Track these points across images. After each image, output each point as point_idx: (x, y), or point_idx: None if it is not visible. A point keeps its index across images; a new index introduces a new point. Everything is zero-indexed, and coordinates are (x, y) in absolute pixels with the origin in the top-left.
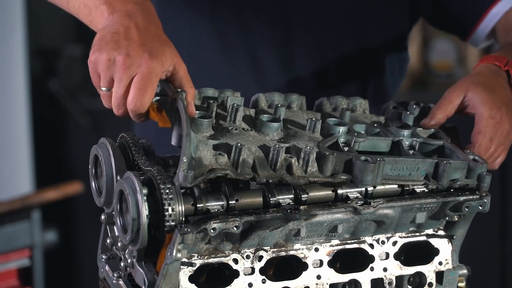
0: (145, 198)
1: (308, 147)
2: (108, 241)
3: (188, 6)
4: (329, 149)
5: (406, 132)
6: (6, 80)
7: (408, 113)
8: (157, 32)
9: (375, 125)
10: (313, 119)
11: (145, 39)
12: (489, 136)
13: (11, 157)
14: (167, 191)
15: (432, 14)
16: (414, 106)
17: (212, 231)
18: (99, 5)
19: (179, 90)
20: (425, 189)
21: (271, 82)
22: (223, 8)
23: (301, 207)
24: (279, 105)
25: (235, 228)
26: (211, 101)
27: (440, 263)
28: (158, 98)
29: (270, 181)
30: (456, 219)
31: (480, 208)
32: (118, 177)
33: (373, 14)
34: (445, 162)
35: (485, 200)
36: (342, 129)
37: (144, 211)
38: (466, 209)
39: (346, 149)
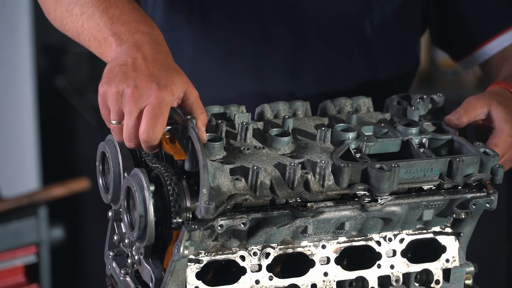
0: (152, 195)
1: (323, 162)
2: (115, 237)
3: (192, 22)
4: (344, 161)
5: (414, 130)
6: (13, 77)
7: (413, 108)
8: (166, 60)
9: (382, 124)
10: (323, 128)
11: (153, 70)
12: (502, 152)
13: (17, 154)
14: (174, 188)
15: (431, 31)
16: (418, 100)
17: (219, 228)
18: (107, 37)
19: (188, 117)
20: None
21: (275, 92)
22: (227, 20)
23: (308, 204)
24: (286, 116)
25: (242, 225)
26: (220, 121)
27: (447, 261)
28: (169, 128)
29: (290, 201)
30: (463, 216)
31: (488, 205)
32: (126, 174)
33: (383, 34)
34: (458, 159)
35: (492, 197)
36: (351, 135)
37: (151, 208)
38: (474, 207)
39: (358, 155)
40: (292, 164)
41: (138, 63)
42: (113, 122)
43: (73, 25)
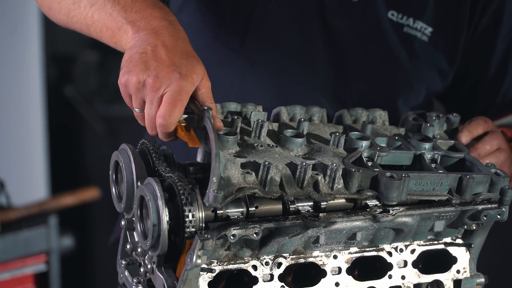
0: (165, 204)
1: (334, 164)
2: (128, 246)
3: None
4: (355, 166)
5: (427, 145)
6: (22, 86)
7: (428, 124)
8: (186, 48)
9: (396, 137)
10: (337, 133)
11: (174, 58)
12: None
13: (27, 163)
14: (188, 197)
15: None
16: (434, 118)
17: (232, 237)
18: (122, 26)
19: (205, 108)
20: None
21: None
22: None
23: (321, 214)
24: (302, 119)
25: (254, 235)
26: (236, 117)
27: (458, 272)
28: (185, 116)
29: (298, 199)
30: (474, 227)
31: (498, 217)
32: (139, 183)
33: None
34: (468, 176)
35: (503, 209)
36: (365, 143)
37: (165, 217)
38: (485, 218)
39: (370, 164)
40: (304, 163)
41: (159, 51)
42: (136, 110)
43: (82, 17)
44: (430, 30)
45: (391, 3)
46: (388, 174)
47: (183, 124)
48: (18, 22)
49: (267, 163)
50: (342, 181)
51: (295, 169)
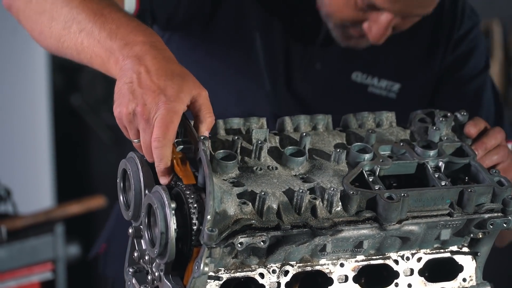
0: (173, 212)
1: (332, 188)
2: (135, 254)
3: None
4: (353, 187)
5: (432, 153)
6: (28, 95)
7: (434, 128)
8: (170, 67)
9: (402, 144)
10: (338, 150)
11: (159, 81)
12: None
13: (33, 171)
14: (195, 205)
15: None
16: (441, 119)
17: (239, 245)
18: (110, 55)
19: (202, 137)
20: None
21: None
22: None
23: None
24: (304, 134)
25: (262, 243)
26: (236, 137)
27: (464, 280)
28: (181, 147)
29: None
30: (480, 236)
31: (505, 225)
32: (147, 191)
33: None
34: (470, 190)
35: (510, 217)
36: (367, 156)
37: (173, 225)
38: (491, 226)
39: (371, 178)
40: (301, 190)
41: (143, 78)
42: (135, 140)
43: (72, 43)
44: (397, 86)
45: (354, 64)
46: (386, 195)
47: (179, 157)
48: (24, 30)
49: (263, 193)
50: (340, 203)
51: (292, 195)
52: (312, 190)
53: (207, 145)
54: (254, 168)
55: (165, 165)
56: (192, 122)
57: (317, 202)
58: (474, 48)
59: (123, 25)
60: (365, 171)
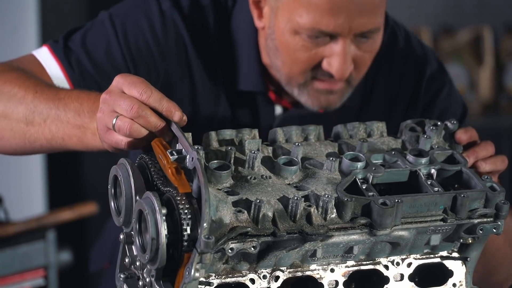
0: (164, 218)
1: (327, 196)
2: (126, 260)
3: None
4: (347, 194)
5: (423, 160)
6: None
7: (425, 136)
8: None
9: (393, 152)
10: (331, 159)
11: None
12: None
13: (25, 177)
14: (186, 211)
15: None
16: (432, 128)
17: (230, 251)
18: (85, 130)
19: (196, 147)
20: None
21: None
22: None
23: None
24: (296, 144)
25: (252, 249)
26: (229, 148)
27: (454, 285)
28: (176, 157)
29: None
30: (470, 241)
31: (494, 230)
32: (137, 197)
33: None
34: (463, 195)
35: (499, 222)
36: (359, 164)
37: (163, 230)
38: (481, 232)
39: (364, 186)
40: (295, 197)
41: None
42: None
43: (39, 134)
44: None
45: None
46: (380, 201)
47: (173, 166)
48: (18, 23)
49: (258, 201)
50: (335, 210)
51: (287, 203)
52: (306, 198)
53: (201, 154)
54: (248, 177)
55: (167, 102)
56: (183, 133)
57: (312, 209)
58: (445, 110)
59: (85, 100)
60: (358, 179)
